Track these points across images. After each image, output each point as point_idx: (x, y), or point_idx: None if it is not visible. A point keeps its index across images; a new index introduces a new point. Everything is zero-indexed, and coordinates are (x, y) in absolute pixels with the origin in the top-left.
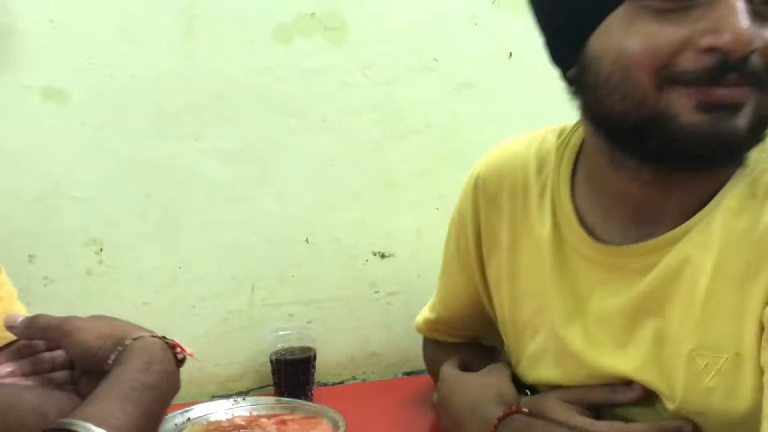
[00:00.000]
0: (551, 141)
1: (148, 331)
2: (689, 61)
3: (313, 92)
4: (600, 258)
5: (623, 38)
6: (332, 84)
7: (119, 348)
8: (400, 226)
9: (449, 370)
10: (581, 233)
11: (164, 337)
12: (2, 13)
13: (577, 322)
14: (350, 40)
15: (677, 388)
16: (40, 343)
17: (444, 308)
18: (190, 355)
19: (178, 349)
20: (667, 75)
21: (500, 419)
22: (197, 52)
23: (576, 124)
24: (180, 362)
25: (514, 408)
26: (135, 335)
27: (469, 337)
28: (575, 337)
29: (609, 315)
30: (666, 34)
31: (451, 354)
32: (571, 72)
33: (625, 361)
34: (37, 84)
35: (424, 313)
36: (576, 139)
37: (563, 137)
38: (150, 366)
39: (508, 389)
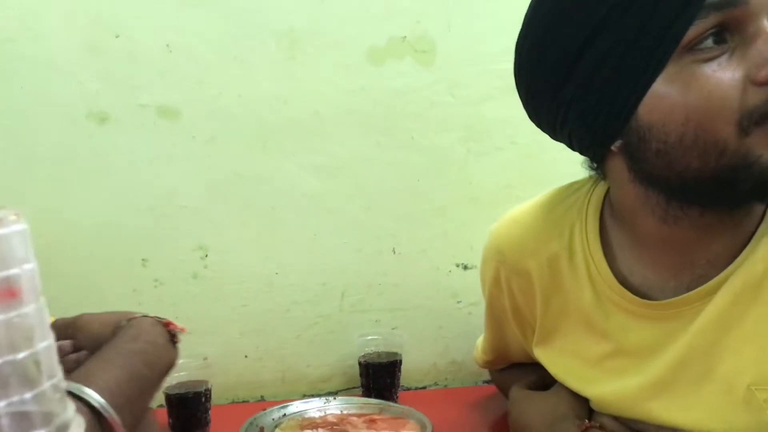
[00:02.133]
0: (566, 203)
1: (144, 314)
2: (754, 98)
3: (403, 111)
4: (649, 312)
5: (685, 97)
6: (421, 103)
7: (116, 330)
8: (483, 240)
9: (518, 391)
10: (625, 293)
11: (157, 317)
12: (125, 40)
13: (631, 376)
14: (439, 62)
15: (738, 427)
16: (66, 345)
17: (495, 351)
18: (182, 329)
19: (171, 327)
20: (747, 117)
21: None
22: (297, 73)
23: (591, 185)
24: (173, 337)
25: (589, 423)
26: (129, 317)
27: (529, 360)
28: (630, 392)
29: (664, 364)
30: (726, 79)
31: (516, 376)
32: (617, 144)
33: (683, 414)
34: (152, 103)
35: (480, 353)
36: (596, 199)
37: (580, 198)
38: (138, 337)
39: (581, 406)
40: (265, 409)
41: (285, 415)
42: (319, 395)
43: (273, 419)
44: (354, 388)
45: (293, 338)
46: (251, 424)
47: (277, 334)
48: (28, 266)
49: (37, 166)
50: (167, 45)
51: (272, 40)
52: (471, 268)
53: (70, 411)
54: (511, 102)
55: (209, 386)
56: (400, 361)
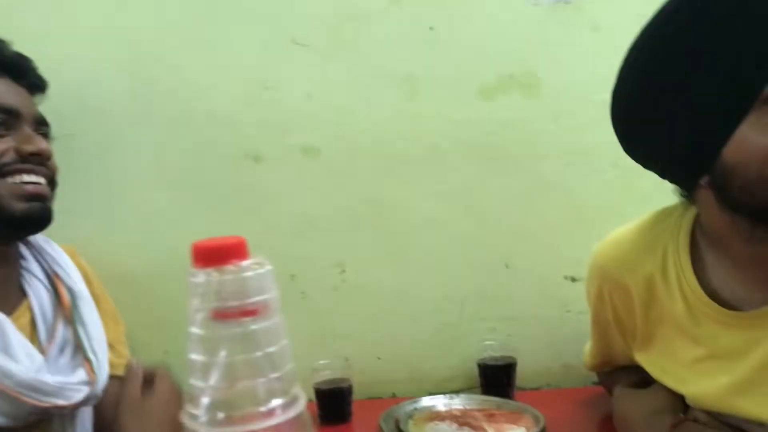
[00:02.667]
0: (660, 227)
1: None
2: None
3: (511, 140)
4: (737, 321)
5: (764, 140)
6: (527, 132)
7: None
8: (589, 254)
9: (621, 390)
10: (714, 305)
11: None
12: (273, 91)
13: (721, 376)
14: (543, 94)
15: None
16: None
17: (601, 356)
18: None
19: None
20: None
21: (674, 426)
22: (417, 110)
23: (682, 210)
24: None
25: (683, 417)
26: None
27: (631, 363)
28: (720, 390)
29: (750, 366)
30: None
31: (620, 377)
32: (705, 179)
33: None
34: (297, 143)
35: (588, 358)
36: (687, 223)
37: (672, 222)
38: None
39: (676, 402)
40: (398, 404)
41: (416, 408)
42: (443, 393)
43: (406, 412)
44: (474, 387)
45: (420, 343)
46: (388, 415)
47: (405, 340)
48: (273, 294)
49: (204, 199)
50: (308, 94)
51: (395, 84)
52: (579, 280)
53: (297, 388)
54: (610, 128)
55: (351, 383)
56: (515, 363)
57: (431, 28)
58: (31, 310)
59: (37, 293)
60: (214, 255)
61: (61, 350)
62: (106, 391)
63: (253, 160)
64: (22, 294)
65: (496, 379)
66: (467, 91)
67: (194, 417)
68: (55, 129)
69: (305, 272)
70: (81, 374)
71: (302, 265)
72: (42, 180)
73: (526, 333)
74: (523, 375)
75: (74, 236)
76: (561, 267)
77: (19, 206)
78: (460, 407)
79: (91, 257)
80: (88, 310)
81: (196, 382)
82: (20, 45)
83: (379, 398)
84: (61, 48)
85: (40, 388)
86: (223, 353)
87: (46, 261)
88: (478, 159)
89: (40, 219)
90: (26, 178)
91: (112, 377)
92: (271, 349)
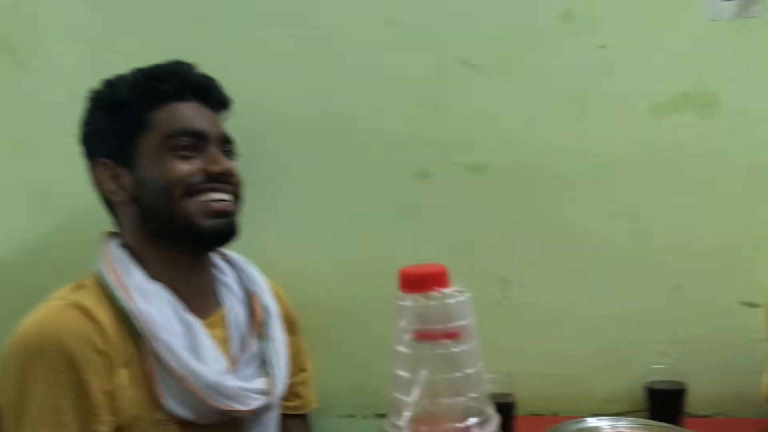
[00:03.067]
0: None
1: None
2: None
3: (686, 160)
4: None
5: None
6: (703, 152)
7: None
8: None
9: None
10: None
11: None
12: (441, 111)
13: None
14: (721, 113)
15: None
16: None
17: None
18: None
19: None
20: None
21: None
22: (587, 129)
23: None
24: None
25: None
26: None
27: None
28: None
29: None
30: None
31: None
32: None
33: None
34: (464, 160)
35: (765, 389)
36: None
37: None
38: None
39: None
40: (563, 422)
41: (580, 428)
42: (606, 414)
43: (571, 431)
44: (639, 411)
45: (583, 363)
46: None
47: (569, 359)
48: (471, 320)
49: (375, 215)
50: (477, 113)
51: (563, 103)
52: (757, 306)
53: (491, 409)
54: None
55: (514, 398)
56: (685, 389)
57: (602, 47)
58: (226, 320)
59: (233, 306)
60: (420, 282)
61: (250, 362)
62: (296, 425)
63: (421, 177)
64: (217, 303)
65: (665, 403)
66: (639, 109)
67: (396, 428)
68: (241, 147)
69: (469, 288)
70: (260, 383)
71: (466, 281)
72: (228, 197)
73: (697, 358)
74: (693, 401)
75: (260, 250)
76: (737, 291)
77: (208, 223)
78: (627, 430)
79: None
80: (277, 327)
81: (399, 396)
82: (209, 68)
83: (542, 416)
84: (246, 72)
85: (222, 391)
86: (425, 371)
87: (245, 279)
88: (650, 179)
89: (228, 234)
90: (213, 196)
91: (302, 417)
92: (469, 371)
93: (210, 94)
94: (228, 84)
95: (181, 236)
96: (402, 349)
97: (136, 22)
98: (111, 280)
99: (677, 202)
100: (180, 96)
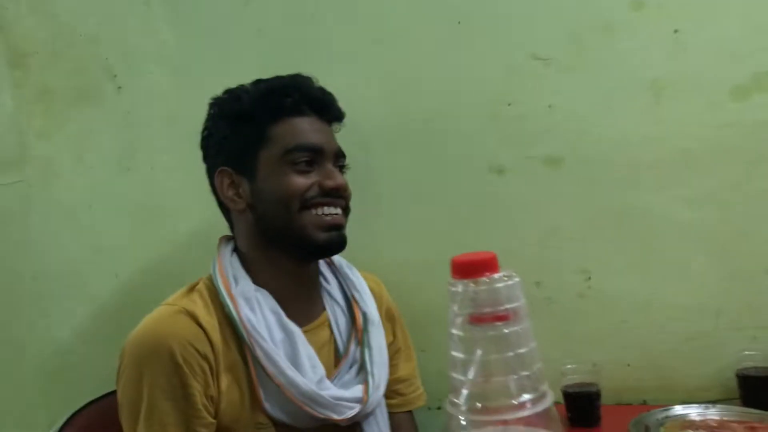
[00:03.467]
0: None
1: None
2: None
3: None
4: None
5: None
6: None
7: None
8: None
9: None
10: None
11: None
12: (516, 106)
13: None
14: None
15: None
16: None
17: None
18: None
19: None
20: None
21: None
22: (663, 115)
23: None
24: None
25: None
26: None
27: None
28: None
29: None
30: None
31: None
32: None
33: None
34: (539, 154)
35: None
36: None
37: None
38: None
39: None
40: (649, 411)
41: (667, 416)
42: (697, 403)
43: (657, 419)
44: (731, 399)
45: (670, 351)
46: (638, 421)
47: (655, 347)
48: (522, 302)
49: (454, 212)
50: (549, 106)
51: (639, 90)
52: None
53: (545, 386)
54: None
55: (599, 387)
56: None
57: (676, 31)
58: (329, 326)
59: (335, 312)
60: (470, 268)
61: (350, 367)
62: (403, 423)
63: (496, 172)
64: (321, 308)
65: (759, 390)
66: (718, 92)
67: (455, 405)
68: None
69: (550, 279)
70: (357, 391)
71: (547, 273)
72: (339, 211)
73: None
74: None
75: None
76: None
77: (321, 236)
78: (717, 417)
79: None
80: (377, 335)
81: (456, 375)
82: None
83: (629, 405)
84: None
85: (318, 400)
86: (479, 352)
87: (347, 285)
88: (733, 162)
89: (338, 246)
90: (326, 210)
91: (408, 413)
92: (522, 351)
93: (327, 109)
94: None
95: (294, 246)
96: (456, 331)
97: (221, 39)
98: (220, 285)
99: (762, 185)
100: (299, 111)
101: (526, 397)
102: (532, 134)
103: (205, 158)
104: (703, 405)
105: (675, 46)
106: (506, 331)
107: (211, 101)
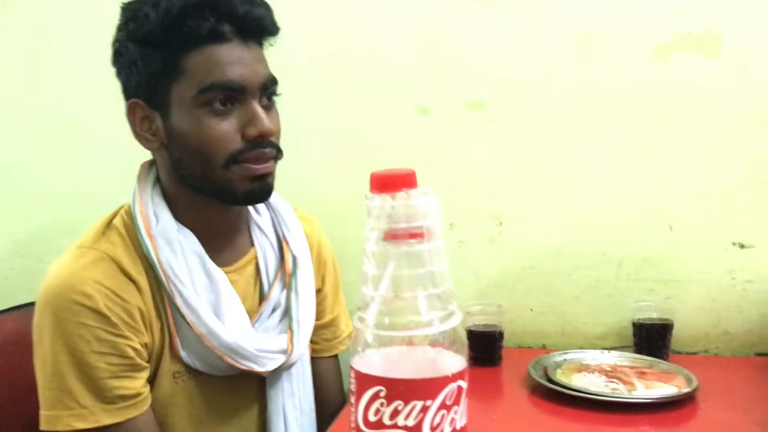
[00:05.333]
0: None
1: None
2: None
3: (687, 101)
4: None
5: None
6: (706, 93)
7: None
8: (763, 220)
9: None
10: None
11: None
12: (446, 46)
13: None
14: (725, 53)
15: None
16: None
17: None
18: None
19: None
20: None
21: None
22: (589, 69)
23: None
24: None
25: None
26: None
27: None
28: None
29: None
30: None
31: None
32: None
33: None
34: (463, 97)
35: None
36: None
37: None
38: None
39: None
40: (548, 354)
41: (565, 359)
42: (594, 349)
43: (555, 361)
44: (627, 347)
45: (573, 298)
46: (537, 363)
47: (559, 294)
48: (437, 220)
49: (375, 149)
50: (481, 51)
51: (567, 43)
52: (748, 247)
53: (454, 306)
54: None
55: (502, 329)
56: (672, 325)
57: None
58: (256, 262)
59: (264, 249)
60: (389, 183)
61: (273, 311)
62: (326, 368)
63: (420, 113)
64: (250, 244)
65: (651, 339)
66: (641, 49)
67: (363, 320)
68: None
69: (464, 222)
70: (281, 342)
71: (462, 215)
72: (269, 161)
73: (685, 297)
74: (679, 338)
75: None
76: (730, 232)
77: (247, 187)
78: (611, 362)
79: None
80: (305, 280)
81: (367, 290)
82: None
83: (530, 348)
84: None
85: (240, 351)
86: (391, 267)
87: (279, 223)
88: (651, 120)
89: (262, 196)
90: (256, 169)
91: (332, 357)
92: (433, 268)
93: (255, 28)
94: None
95: (215, 195)
96: (370, 247)
97: None
98: (140, 223)
99: (676, 144)
100: (218, 36)
101: (434, 314)
102: (458, 77)
103: (118, 76)
104: (599, 350)
105: (604, 1)
106: (420, 247)
107: (122, 5)
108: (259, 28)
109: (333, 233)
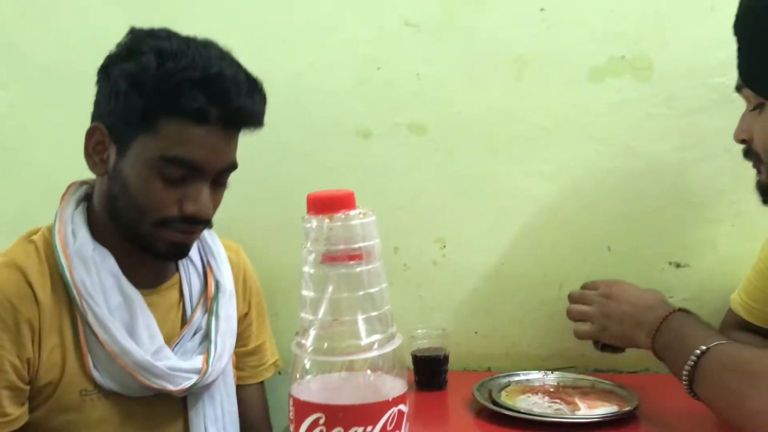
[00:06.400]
0: None
1: None
2: None
3: (621, 122)
4: None
5: None
6: (638, 115)
7: None
8: (697, 240)
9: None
10: None
11: None
12: (385, 71)
13: None
14: (655, 77)
15: None
16: None
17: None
18: None
19: None
20: None
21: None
22: (526, 91)
23: None
24: None
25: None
26: None
27: None
28: None
29: None
30: None
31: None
32: None
33: None
34: (405, 121)
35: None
36: None
37: None
38: None
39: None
40: (493, 376)
41: (509, 382)
42: (537, 370)
43: (500, 384)
44: (570, 367)
45: (517, 320)
46: (482, 386)
47: (503, 316)
48: (376, 241)
49: (316, 172)
50: (417, 74)
51: (504, 65)
52: (683, 266)
53: (394, 328)
54: (725, 113)
55: (447, 352)
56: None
57: (542, 9)
58: (180, 288)
59: (189, 275)
60: (326, 204)
61: (193, 334)
62: (252, 395)
63: (362, 136)
64: (174, 270)
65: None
66: (577, 72)
67: (302, 346)
68: None
69: (408, 245)
70: (196, 362)
71: (406, 239)
72: (195, 234)
73: None
74: (621, 358)
75: None
76: (666, 252)
77: (163, 248)
78: (554, 383)
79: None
80: (227, 304)
81: (305, 315)
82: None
83: (475, 371)
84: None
85: (152, 370)
86: (330, 290)
87: (204, 250)
88: (585, 140)
89: (176, 258)
90: (180, 237)
91: (258, 384)
92: (372, 290)
93: (241, 121)
94: None
95: (133, 241)
96: (308, 269)
97: None
98: (57, 242)
99: (613, 165)
100: (202, 117)
101: (374, 337)
102: (399, 100)
103: (97, 91)
104: (543, 372)
105: (540, 23)
106: (358, 269)
107: (132, 30)
108: (245, 121)
109: (267, 260)
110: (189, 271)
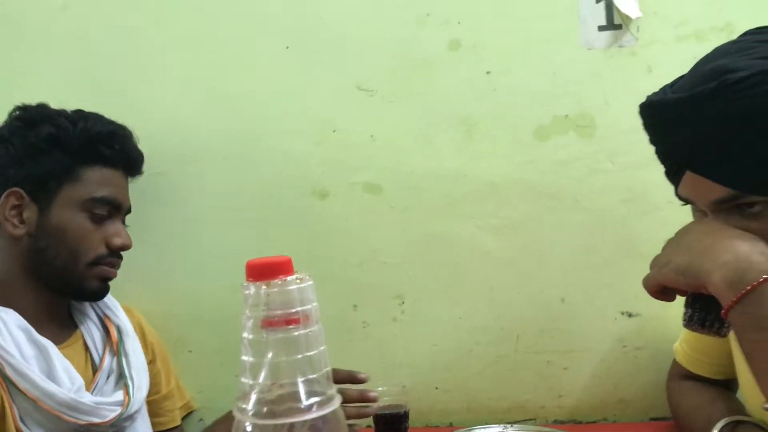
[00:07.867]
0: None
1: None
2: None
3: (567, 178)
4: None
5: None
6: (583, 171)
7: None
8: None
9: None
10: None
11: None
12: (340, 133)
13: None
14: (598, 134)
15: None
16: None
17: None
18: None
19: None
20: None
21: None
22: (475, 150)
23: None
24: None
25: None
26: None
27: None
28: None
29: None
30: None
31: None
32: None
33: None
34: (360, 180)
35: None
36: None
37: None
38: None
39: None
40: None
41: None
42: (497, 424)
43: None
44: (530, 419)
45: (477, 374)
46: None
47: (462, 370)
48: (314, 305)
49: (273, 232)
50: (372, 135)
51: (453, 126)
52: (635, 316)
53: (333, 389)
54: None
55: (407, 408)
56: None
57: (488, 73)
58: (83, 341)
59: (88, 328)
60: (264, 271)
61: (108, 377)
62: None
63: (319, 196)
64: (74, 326)
65: None
66: (523, 131)
67: (243, 410)
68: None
69: (367, 303)
70: (118, 395)
71: (364, 296)
72: (117, 268)
73: (581, 367)
74: (579, 408)
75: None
76: (617, 302)
77: (94, 285)
78: None
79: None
80: (132, 343)
81: (245, 380)
82: (113, 90)
83: (437, 427)
84: (150, 93)
85: (78, 407)
86: (269, 355)
87: (98, 305)
88: (535, 196)
89: (102, 295)
90: (108, 271)
91: (177, 428)
92: (311, 353)
93: (135, 168)
94: (128, 107)
95: (64, 288)
96: (247, 335)
97: (35, 43)
98: None
99: (561, 219)
100: (113, 163)
101: (313, 400)
102: (354, 161)
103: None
104: (503, 425)
105: (487, 86)
106: (297, 333)
107: (18, 109)
108: (135, 169)
109: (216, 326)
110: (88, 325)
